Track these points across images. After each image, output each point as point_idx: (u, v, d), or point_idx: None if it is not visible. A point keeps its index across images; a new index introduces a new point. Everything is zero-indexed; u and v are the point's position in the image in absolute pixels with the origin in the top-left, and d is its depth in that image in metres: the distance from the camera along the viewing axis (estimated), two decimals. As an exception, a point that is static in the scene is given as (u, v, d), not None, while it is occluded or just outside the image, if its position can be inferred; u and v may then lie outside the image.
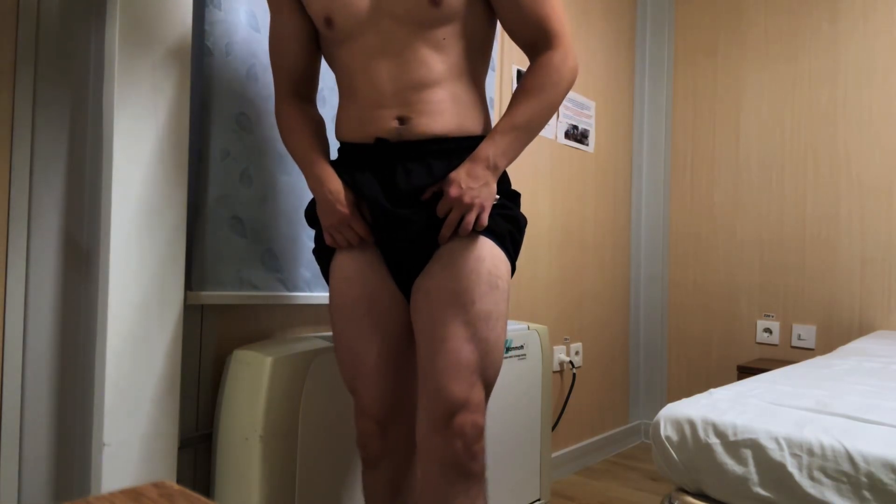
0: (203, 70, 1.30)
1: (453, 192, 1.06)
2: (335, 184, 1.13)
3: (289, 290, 1.43)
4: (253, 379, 1.24)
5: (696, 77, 2.94)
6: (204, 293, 1.28)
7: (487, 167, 1.07)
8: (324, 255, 1.23)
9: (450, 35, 1.09)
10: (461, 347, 1.06)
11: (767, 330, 2.70)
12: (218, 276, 1.31)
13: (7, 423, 1.10)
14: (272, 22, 1.20)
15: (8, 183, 1.10)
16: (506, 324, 1.13)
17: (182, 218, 1.21)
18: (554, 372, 2.46)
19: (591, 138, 2.69)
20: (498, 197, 1.13)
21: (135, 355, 1.14)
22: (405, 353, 1.19)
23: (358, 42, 1.11)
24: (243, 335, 1.41)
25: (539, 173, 2.38)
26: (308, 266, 1.48)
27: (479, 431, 1.06)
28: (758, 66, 2.76)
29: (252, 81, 1.36)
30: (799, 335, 2.62)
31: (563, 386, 2.52)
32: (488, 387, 1.10)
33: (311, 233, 1.48)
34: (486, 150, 1.08)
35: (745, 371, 2.44)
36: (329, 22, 1.11)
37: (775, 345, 2.68)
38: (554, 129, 2.45)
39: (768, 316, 2.70)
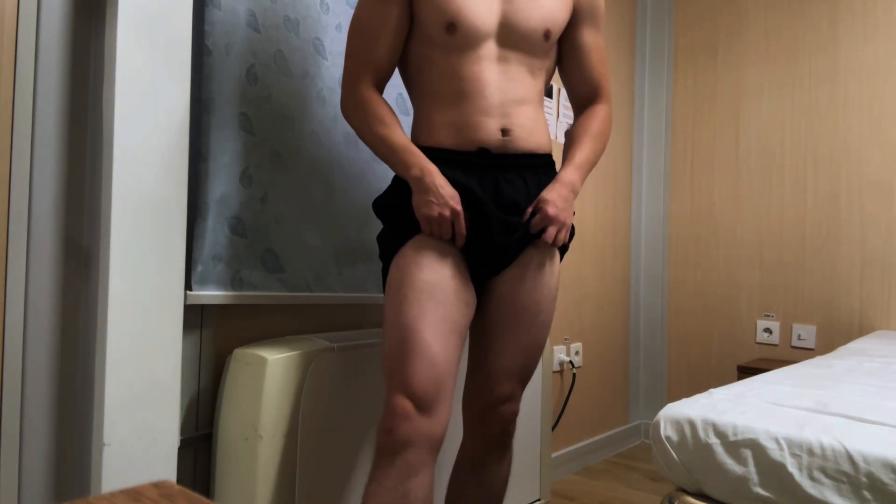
0: (203, 70, 1.30)
1: (551, 210, 1.21)
2: (443, 178, 1.17)
3: (289, 290, 1.43)
4: (253, 379, 1.24)
5: (696, 77, 2.94)
6: (204, 293, 1.28)
7: (572, 191, 1.25)
8: (397, 241, 1.21)
9: (538, 67, 1.28)
10: (518, 353, 1.26)
11: (767, 330, 2.70)
12: (218, 276, 1.31)
13: (7, 423, 1.10)
14: (369, 10, 1.21)
15: (8, 183, 1.10)
16: None
17: (182, 218, 1.21)
18: (554, 372, 2.46)
19: (591, 138, 2.68)
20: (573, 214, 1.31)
21: (135, 355, 1.14)
22: (461, 347, 1.19)
23: (474, 51, 1.20)
24: (243, 335, 1.41)
25: (539, 173, 2.38)
26: (308, 266, 1.48)
27: (516, 415, 1.31)
28: (758, 66, 2.76)
29: (252, 81, 1.37)
30: (799, 335, 2.62)
31: (563, 386, 2.52)
32: (529, 378, 1.32)
33: (311, 233, 1.48)
34: (571, 176, 1.25)
35: (745, 371, 2.44)
36: (452, 28, 1.19)
37: (775, 345, 2.68)
38: (554, 129, 2.45)
39: (768, 316, 2.70)
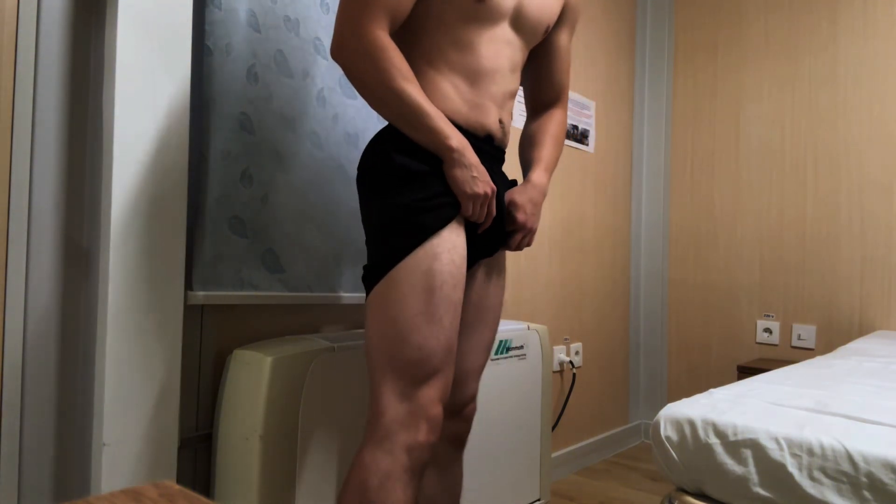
0: (203, 70, 1.30)
1: (520, 217, 1.18)
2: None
3: (289, 290, 1.43)
4: (253, 379, 1.24)
5: (696, 77, 2.94)
6: (204, 293, 1.28)
7: (542, 195, 1.23)
8: (437, 215, 1.04)
9: (524, 60, 1.24)
10: (482, 353, 1.26)
11: (767, 330, 2.70)
12: (218, 276, 1.31)
13: (7, 423, 1.10)
14: None
15: (8, 183, 1.10)
16: None
17: (182, 218, 1.21)
18: (554, 372, 2.46)
19: (591, 138, 2.69)
20: None
21: (135, 355, 1.14)
22: None
23: (492, 29, 1.13)
24: (243, 335, 1.41)
25: (539, 173, 2.38)
26: (308, 266, 1.48)
27: (474, 412, 1.30)
28: (758, 66, 2.76)
29: (252, 81, 1.37)
30: (799, 335, 2.62)
31: (563, 386, 2.52)
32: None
33: (311, 233, 1.48)
34: (542, 179, 1.23)
35: (745, 371, 2.45)
36: None
37: (775, 345, 2.68)
38: (554, 129, 2.45)
39: (768, 316, 2.70)
